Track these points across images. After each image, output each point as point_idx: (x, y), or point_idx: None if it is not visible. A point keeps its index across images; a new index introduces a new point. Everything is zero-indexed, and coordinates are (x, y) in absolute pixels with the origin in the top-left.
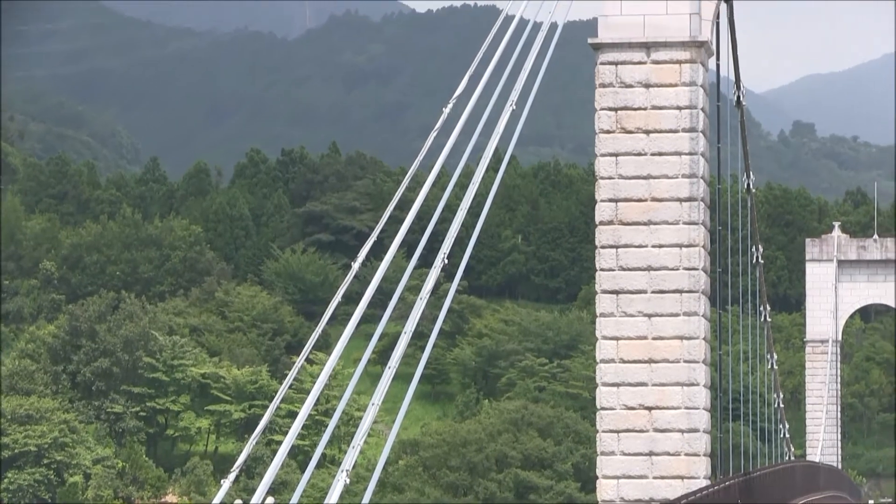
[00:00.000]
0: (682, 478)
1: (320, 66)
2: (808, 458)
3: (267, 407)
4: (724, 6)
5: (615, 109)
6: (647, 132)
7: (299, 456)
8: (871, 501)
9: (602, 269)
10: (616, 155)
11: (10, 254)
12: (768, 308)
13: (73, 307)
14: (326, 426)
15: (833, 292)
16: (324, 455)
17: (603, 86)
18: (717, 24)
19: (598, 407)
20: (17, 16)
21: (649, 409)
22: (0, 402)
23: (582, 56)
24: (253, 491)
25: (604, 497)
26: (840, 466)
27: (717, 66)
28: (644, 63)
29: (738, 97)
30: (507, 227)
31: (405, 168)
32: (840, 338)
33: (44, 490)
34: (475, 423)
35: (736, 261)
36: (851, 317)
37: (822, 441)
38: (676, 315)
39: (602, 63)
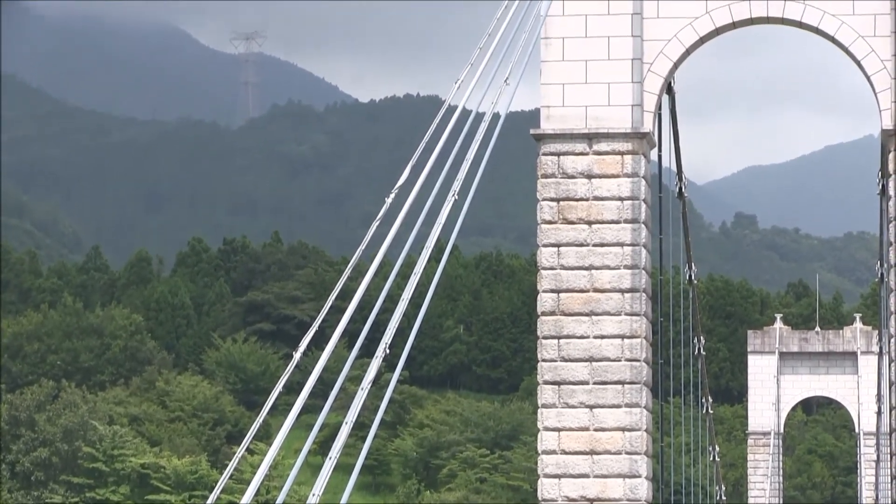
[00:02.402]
0: None
1: (263, 155)
2: None
3: (207, 497)
4: (665, 97)
5: (557, 200)
6: (589, 223)
7: None
8: None
9: (544, 360)
10: (558, 245)
11: None
12: (710, 400)
13: (13, 396)
14: None
15: (775, 384)
16: None
17: (545, 176)
18: (660, 115)
19: (540, 499)
20: None
21: (591, 500)
22: None
23: (524, 146)
24: None
25: None
26: None
27: (660, 157)
28: (586, 154)
29: (680, 188)
30: (449, 317)
31: (347, 257)
32: (782, 430)
33: None
34: None
35: (678, 352)
36: (794, 409)
37: None
38: (618, 406)
39: (544, 154)
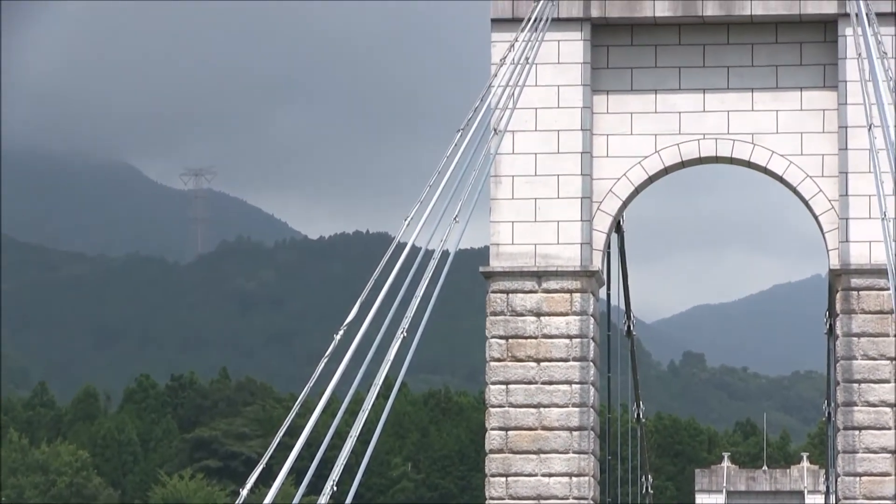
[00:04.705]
0: None
1: (211, 292)
2: None
3: None
4: (614, 236)
5: (506, 338)
6: (538, 361)
7: None
8: None
9: (492, 498)
10: (506, 383)
11: None
12: None
13: None
14: None
15: None
16: None
17: (494, 314)
18: (608, 253)
19: None
20: None
21: None
22: None
23: (473, 284)
24: None
25: None
26: None
27: (608, 295)
28: (535, 292)
29: (629, 327)
30: (397, 454)
31: (295, 394)
32: None
33: None
34: None
35: (626, 491)
36: None
37: None
38: None
39: (493, 291)
